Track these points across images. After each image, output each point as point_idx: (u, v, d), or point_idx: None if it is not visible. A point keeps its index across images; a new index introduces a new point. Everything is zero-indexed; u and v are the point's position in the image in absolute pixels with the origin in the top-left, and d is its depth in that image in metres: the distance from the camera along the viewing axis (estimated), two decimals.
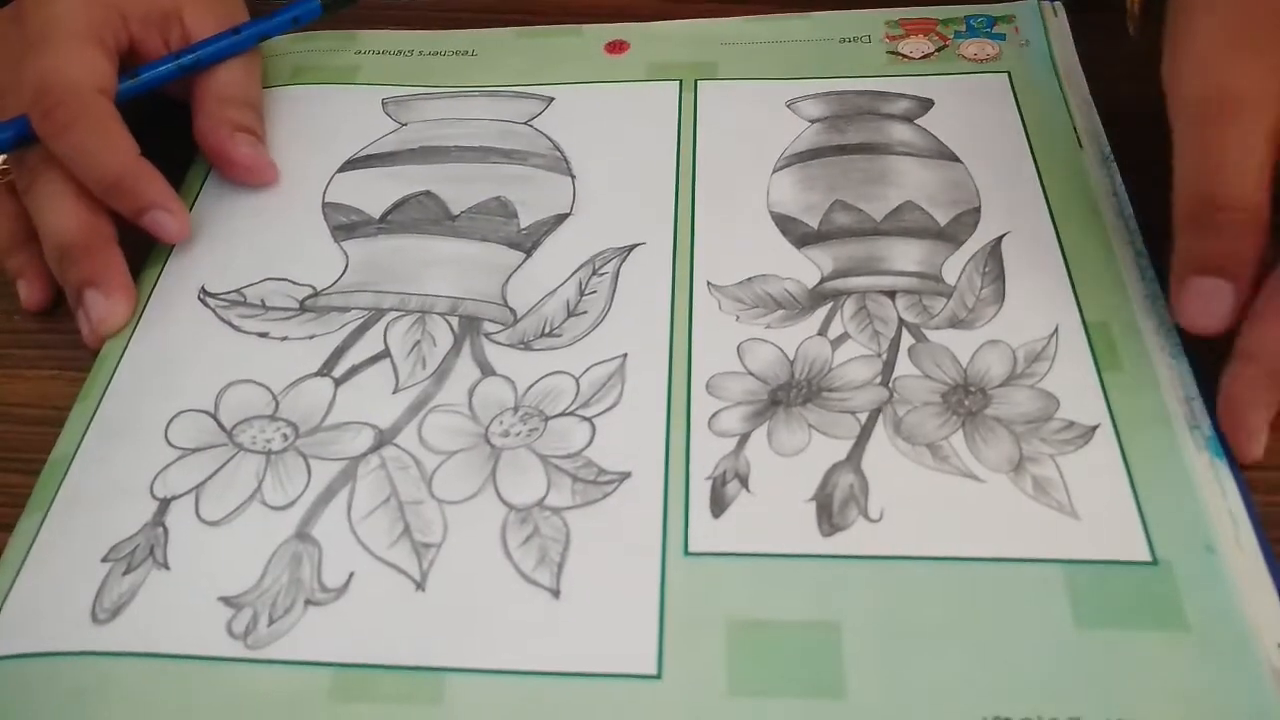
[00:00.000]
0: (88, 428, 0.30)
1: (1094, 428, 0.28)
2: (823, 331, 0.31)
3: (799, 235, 0.34)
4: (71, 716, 0.24)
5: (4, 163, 0.34)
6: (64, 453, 0.30)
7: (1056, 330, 0.30)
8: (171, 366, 0.31)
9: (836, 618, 0.25)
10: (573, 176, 0.36)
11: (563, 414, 0.29)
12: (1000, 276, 0.32)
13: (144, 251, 0.35)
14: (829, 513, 0.27)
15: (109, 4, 0.35)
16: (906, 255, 0.33)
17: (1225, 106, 0.29)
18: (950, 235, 0.33)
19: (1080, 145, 0.35)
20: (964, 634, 0.25)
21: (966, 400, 0.29)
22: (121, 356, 0.32)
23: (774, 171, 0.35)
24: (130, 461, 0.29)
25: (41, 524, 0.28)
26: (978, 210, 0.34)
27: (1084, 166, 0.34)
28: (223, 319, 0.32)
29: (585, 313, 0.32)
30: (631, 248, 0.34)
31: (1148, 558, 0.26)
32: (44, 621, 0.26)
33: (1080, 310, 0.31)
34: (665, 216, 0.34)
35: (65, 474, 0.29)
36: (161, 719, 0.24)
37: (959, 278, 0.32)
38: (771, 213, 0.34)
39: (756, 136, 0.37)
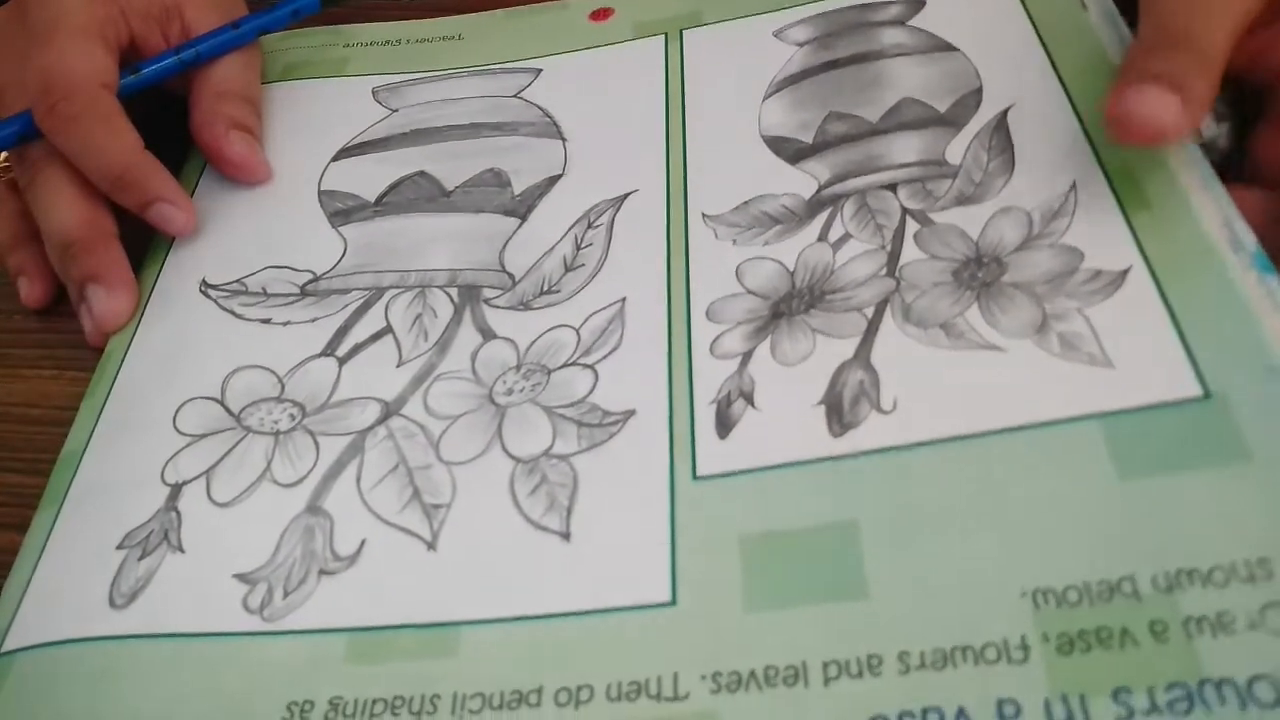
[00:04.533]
0: (96, 423, 0.30)
1: (1125, 271, 0.26)
2: (822, 237, 0.30)
3: (793, 152, 0.33)
4: (95, 700, 0.25)
5: (5, 160, 0.35)
6: (74, 448, 0.30)
7: (1074, 185, 0.28)
8: (177, 358, 0.32)
9: (852, 517, 0.24)
10: (563, 139, 0.36)
11: (565, 365, 0.29)
12: (1008, 148, 0.30)
13: (143, 247, 0.35)
14: (839, 412, 0.26)
15: (110, 0, 0.35)
16: (906, 148, 0.31)
17: None
18: (951, 119, 0.32)
19: (1084, 6, 0.33)
20: (991, 512, 0.23)
21: (980, 272, 0.27)
22: (126, 352, 0.32)
23: (765, 99, 0.35)
24: (141, 451, 0.29)
25: (56, 518, 0.28)
26: (979, 91, 0.32)
27: (1090, 26, 0.32)
28: (225, 308, 0.33)
29: (582, 265, 0.31)
30: (624, 196, 0.33)
31: (1198, 392, 0.24)
32: (63, 610, 0.26)
33: (1099, 159, 0.29)
34: (657, 162, 0.34)
35: (77, 469, 0.29)
36: (183, 697, 0.24)
37: (964, 157, 0.30)
38: (764, 137, 0.33)
39: (745, 71, 0.36)
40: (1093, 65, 0.31)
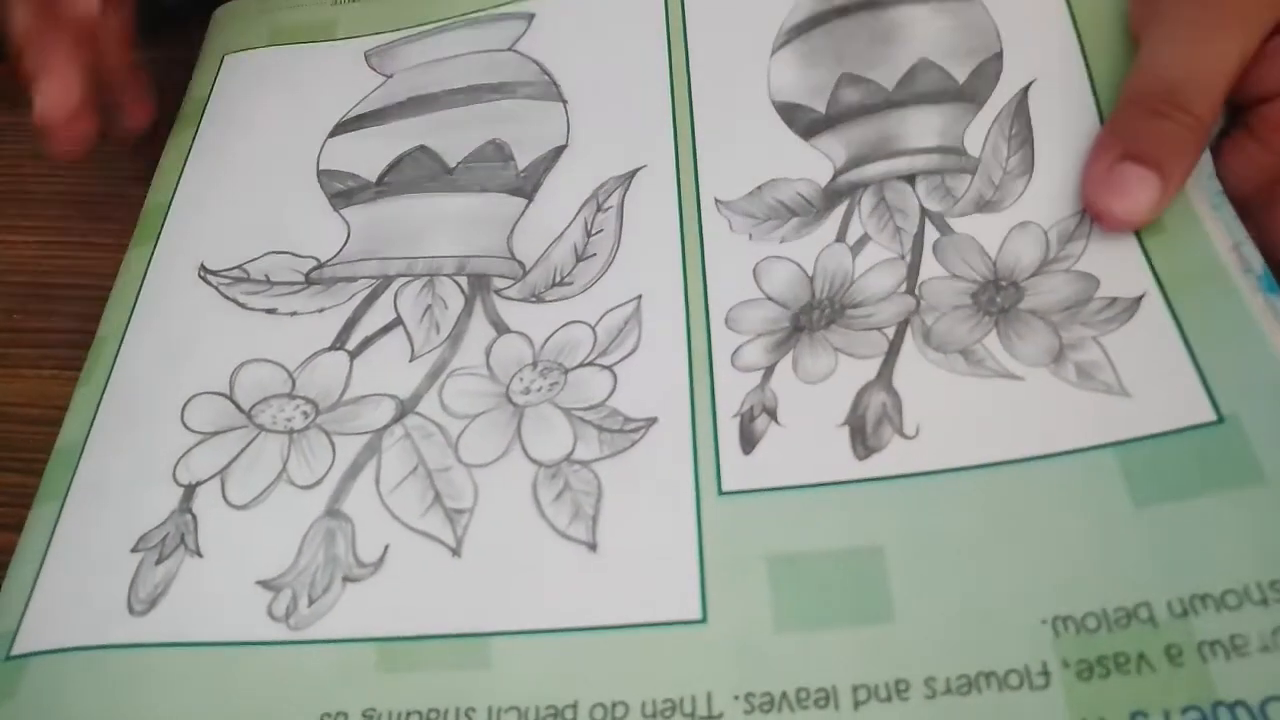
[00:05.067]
0: (96, 413, 0.30)
1: (1139, 298, 0.26)
2: (841, 236, 0.30)
3: (806, 124, 0.32)
4: (114, 709, 0.25)
5: None
6: (72, 440, 0.29)
7: None
8: (178, 348, 0.31)
9: (878, 541, 0.25)
10: (564, 101, 0.35)
11: (582, 365, 0.29)
12: (1028, 140, 0.30)
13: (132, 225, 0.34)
14: (862, 436, 0.26)
15: None
16: (925, 127, 0.31)
17: (1224, 16, 0.28)
18: (970, 94, 0.31)
19: None
20: (1012, 539, 0.24)
21: (998, 297, 0.28)
22: (123, 339, 0.31)
23: (773, 53, 0.34)
24: (148, 447, 0.29)
25: (60, 514, 0.28)
26: (999, 56, 0.31)
27: None
28: (227, 296, 0.32)
29: (594, 255, 0.31)
30: (633, 173, 0.33)
31: (1212, 417, 0.24)
32: (79, 615, 0.26)
33: None
34: (663, 129, 0.33)
35: (78, 461, 0.29)
36: (208, 707, 0.24)
37: (983, 147, 0.30)
38: (775, 103, 0.33)
39: (750, 18, 0.34)
40: (1114, 43, 0.30)
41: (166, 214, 0.34)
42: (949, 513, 0.25)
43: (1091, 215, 0.28)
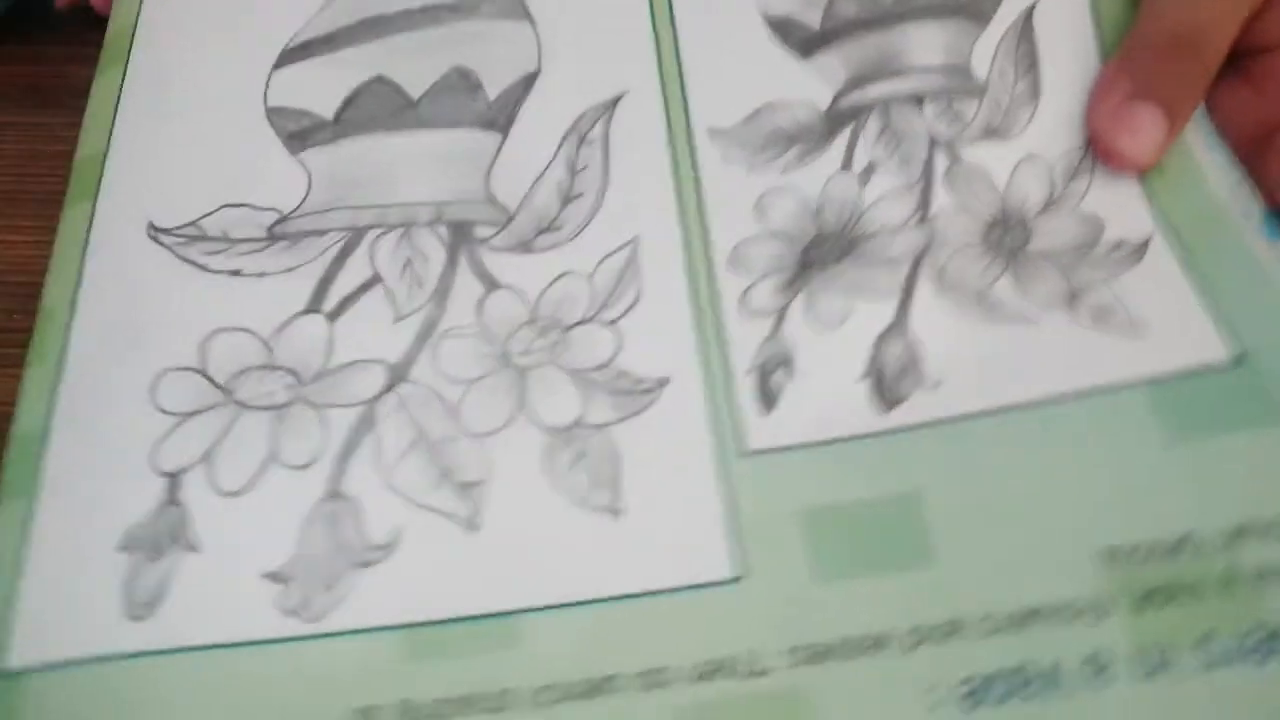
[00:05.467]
0: (54, 397, 0.27)
1: (1146, 241, 0.27)
2: (846, 165, 0.28)
3: (802, 41, 0.30)
4: None
5: None
6: (32, 427, 0.27)
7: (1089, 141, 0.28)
8: (137, 318, 0.28)
9: (911, 489, 0.24)
10: (531, 20, 0.32)
11: (581, 322, 0.27)
12: (1034, 63, 0.29)
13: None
14: (883, 388, 0.26)
15: None
16: (929, 44, 0.30)
17: None
18: (975, 9, 0.30)
19: None
20: (1050, 479, 0.24)
21: (1007, 238, 0.27)
22: (73, 311, 0.29)
23: None
24: (120, 432, 0.27)
25: (32, 512, 0.26)
26: None
27: None
28: (184, 258, 0.29)
29: (581, 195, 0.29)
30: (615, 101, 0.31)
31: (1229, 355, 0.25)
32: (73, 624, 0.25)
33: None
34: (645, 50, 0.31)
35: (43, 452, 0.27)
36: (230, 713, 0.23)
37: (990, 69, 0.29)
38: (765, 17, 0.31)
39: None
40: None
41: (104, 166, 0.31)
42: (981, 456, 0.25)
43: (1099, 152, 0.27)
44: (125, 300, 0.29)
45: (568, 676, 0.23)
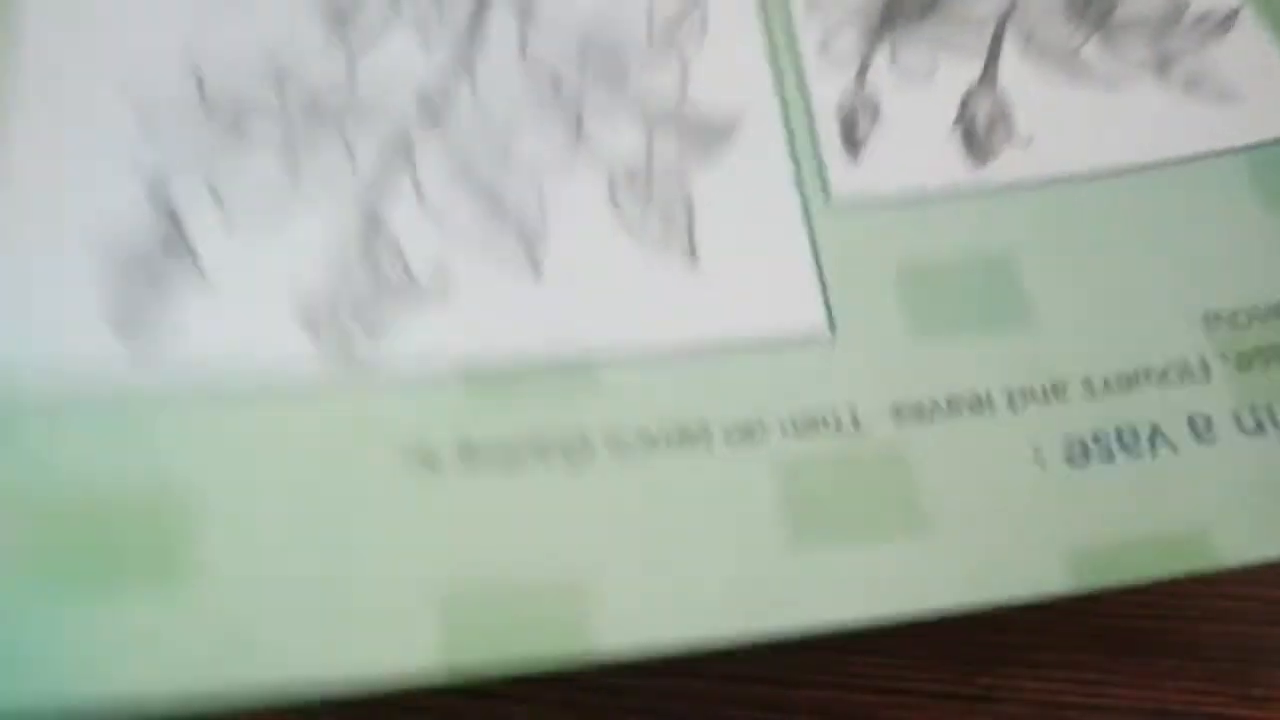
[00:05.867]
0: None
1: (1235, 12, 0.26)
2: None
3: None
4: (142, 480, 0.20)
5: None
6: None
7: None
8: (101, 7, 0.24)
9: (1007, 246, 0.23)
10: None
11: (639, 51, 0.24)
12: None
13: None
14: (975, 139, 0.24)
15: None
16: None
17: None
18: None
19: None
20: (1146, 242, 0.23)
21: (1092, 4, 0.26)
22: None
23: None
24: (95, 135, 0.22)
25: None
26: None
27: None
28: None
29: None
30: None
31: None
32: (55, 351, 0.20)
33: None
34: None
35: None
36: (265, 461, 0.20)
37: None
38: None
39: None
40: None
41: None
42: (1077, 218, 0.23)
43: None
44: None
45: (657, 425, 0.21)
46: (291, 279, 0.21)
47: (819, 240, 0.23)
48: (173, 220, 0.21)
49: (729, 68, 0.24)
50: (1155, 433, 0.22)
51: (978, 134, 0.24)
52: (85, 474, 0.19)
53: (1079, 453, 0.21)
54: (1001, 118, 0.24)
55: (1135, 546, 0.21)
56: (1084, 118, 0.25)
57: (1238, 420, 0.22)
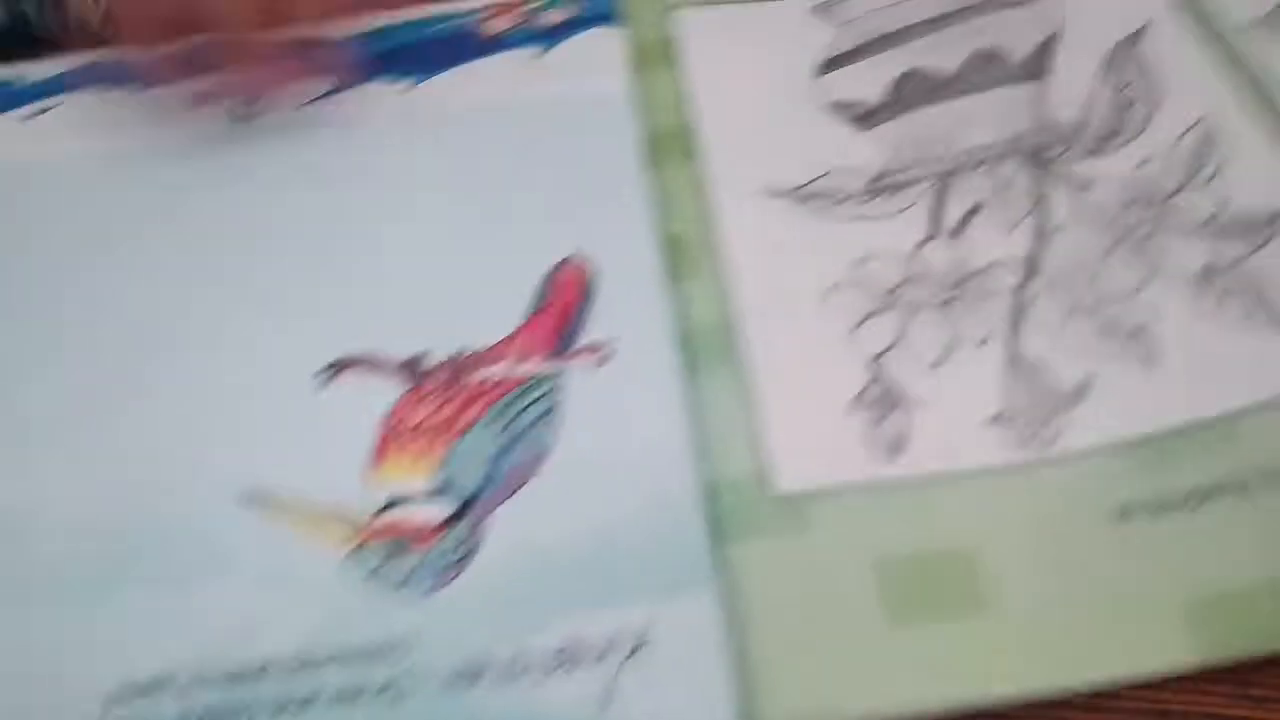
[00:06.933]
0: (729, 299, 0.33)
1: None
2: None
3: None
4: (909, 534, 0.27)
5: None
6: (717, 319, 0.32)
7: None
8: (785, 250, 0.34)
9: None
10: (1037, 1, 0.38)
11: (1177, 191, 0.32)
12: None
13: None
14: None
15: None
16: None
17: None
18: None
19: None
20: None
21: None
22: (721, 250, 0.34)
23: None
24: (813, 325, 0.32)
25: (750, 381, 0.31)
26: None
27: None
28: (808, 209, 0.35)
29: (1133, 102, 0.34)
30: (1139, 31, 0.36)
31: None
32: (829, 459, 0.29)
33: None
34: None
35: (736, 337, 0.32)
36: (1000, 520, 0.27)
37: None
38: None
39: None
40: None
41: (694, 137, 0.37)
42: None
43: None
44: (768, 237, 0.34)
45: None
46: (975, 396, 0.30)
47: None
48: (888, 378, 0.30)
49: (1257, 181, 0.32)
50: None
51: None
52: (893, 537, 0.27)
53: None
54: None
55: None
56: None
57: None
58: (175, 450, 0.32)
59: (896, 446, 0.29)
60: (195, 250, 0.37)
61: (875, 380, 0.30)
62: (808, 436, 0.29)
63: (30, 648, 0.28)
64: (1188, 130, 0.33)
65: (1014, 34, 0.38)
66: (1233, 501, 0.26)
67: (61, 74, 0.42)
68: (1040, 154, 0.34)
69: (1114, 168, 0.33)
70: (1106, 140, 0.34)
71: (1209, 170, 0.32)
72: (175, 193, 0.39)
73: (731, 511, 0.28)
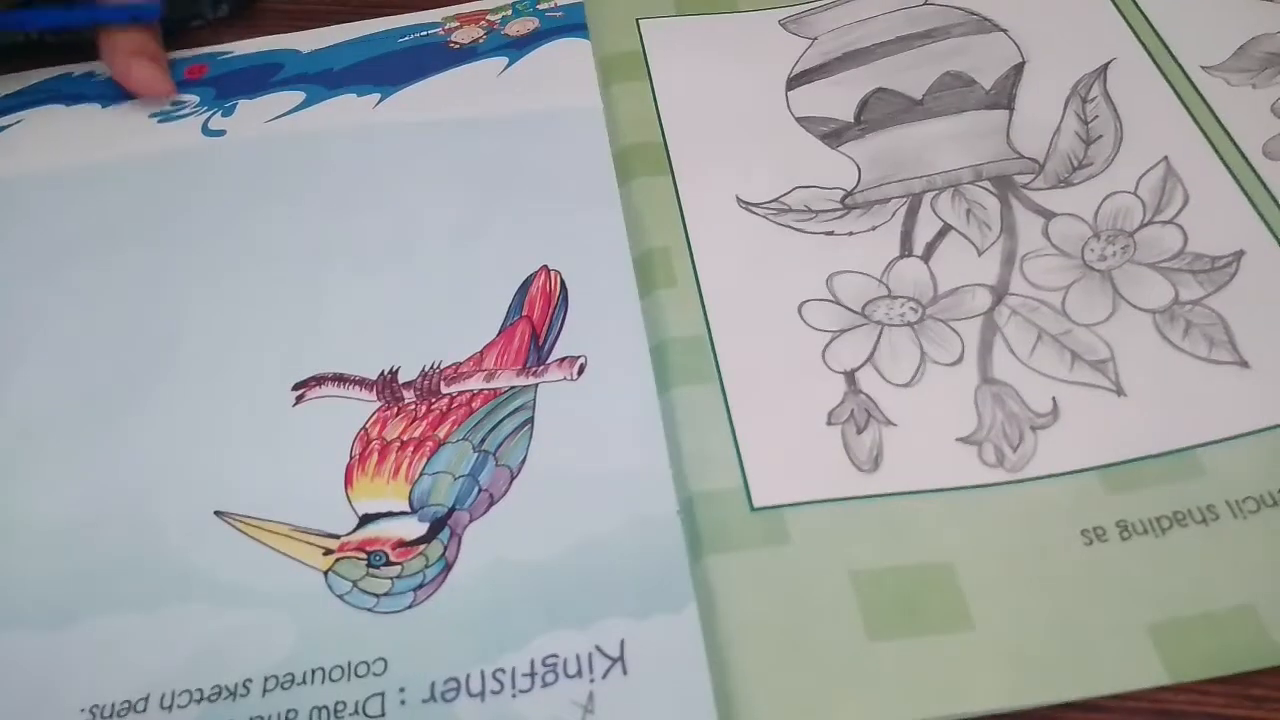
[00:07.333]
0: (705, 312, 0.33)
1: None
2: None
3: None
4: (878, 549, 0.28)
5: None
6: (692, 333, 0.32)
7: None
8: (759, 263, 0.34)
9: None
10: (1003, 29, 0.39)
11: (1143, 226, 0.33)
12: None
13: None
14: None
15: None
16: None
17: None
18: None
19: None
20: None
21: None
22: (691, 254, 0.34)
23: None
24: (787, 340, 0.32)
25: (725, 394, 0.31)
26: None
27: None
28: (780, 224, 0.35)
29: (1100, 136, 0.35)
30: (1105, 66, 0.37)
31: None
32: (807, 475, 0.29)
33: None
34: (1115, 26, 0.38)
35: (715, 352, 0.32)
36: (970, 535, 0.28)
37: None
38: None
39: None
40: None
41: (664, 150, 0.37)
42: None
43: None
44: (745, 251, 0.34)
45: (1258, 490, 0.27)
46: (947, 416, 0.30)
47: None
48: (866, 395, 0.31)
49: (1218, 220, 0.32)
50: None
51: None
52: (872, 552, 0.28)
53: None
54: None
55: None
56: None
57: None
58: (149, 470, 0.31)
59: (873, 461, 0.29)
60: (165, 269, 0.36)
61: (850, 395, 0.31)
62: (784, 451, 0.30)
63: (3, 669, 0.27)
64: (1151, 168, 0.34)
65: (982, 59, 0.38)
66: (1199, 529, 0.27)
67: (24, 89, 0.42)
68: (1008, 181, 0.35)
69: (1080, 199, 0.34)
70: (1074, 171, 0.35)
71: (1174, 207, 0.33)
72: (143, 209, 0.38)
73: (709, 526, 0.28)
